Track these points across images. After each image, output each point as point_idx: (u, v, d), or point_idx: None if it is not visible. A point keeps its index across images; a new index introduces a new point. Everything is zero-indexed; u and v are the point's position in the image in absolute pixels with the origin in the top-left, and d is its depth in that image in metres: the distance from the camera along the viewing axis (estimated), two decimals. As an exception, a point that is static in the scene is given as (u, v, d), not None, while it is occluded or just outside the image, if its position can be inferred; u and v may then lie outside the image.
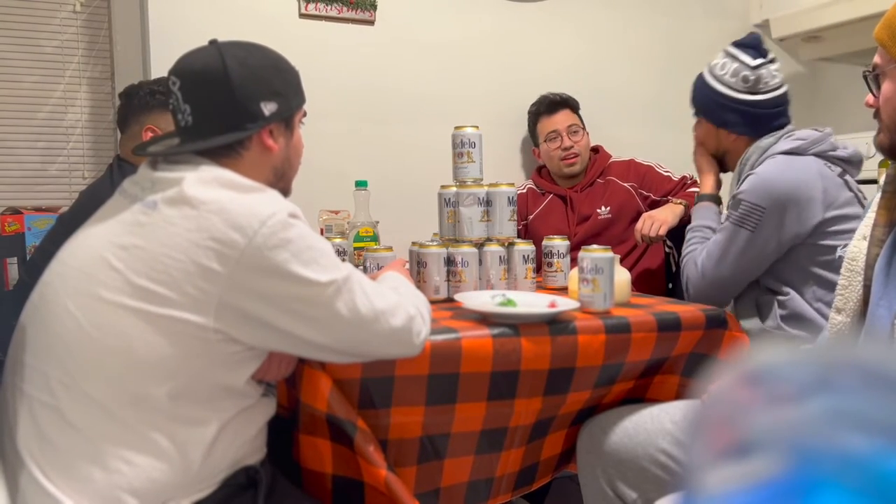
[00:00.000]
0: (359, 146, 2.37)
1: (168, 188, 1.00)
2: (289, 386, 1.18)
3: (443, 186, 1.60)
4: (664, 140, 2.55)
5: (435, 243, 1.50)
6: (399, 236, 1.83)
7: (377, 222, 1.88)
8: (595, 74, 2.66)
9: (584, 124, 2.37)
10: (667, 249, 2.23)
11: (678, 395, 1.42)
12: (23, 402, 0.98)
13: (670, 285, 2.21)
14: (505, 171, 2.56)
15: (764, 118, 1.64)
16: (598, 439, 1.37)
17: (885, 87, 1.06)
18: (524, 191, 2.39)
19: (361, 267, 1.55)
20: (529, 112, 2.44)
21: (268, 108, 1.08)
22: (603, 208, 2.27)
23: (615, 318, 1.32)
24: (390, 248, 1.55)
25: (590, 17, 2.67)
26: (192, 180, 0.99)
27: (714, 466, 0.29)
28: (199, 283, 0.95)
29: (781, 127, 1.65)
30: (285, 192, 1.14)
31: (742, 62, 1.64)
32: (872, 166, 2.45)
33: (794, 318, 1.55)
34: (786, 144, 1.57)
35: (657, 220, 1.95)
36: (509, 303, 1.33)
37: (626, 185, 2.29)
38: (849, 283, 1.15)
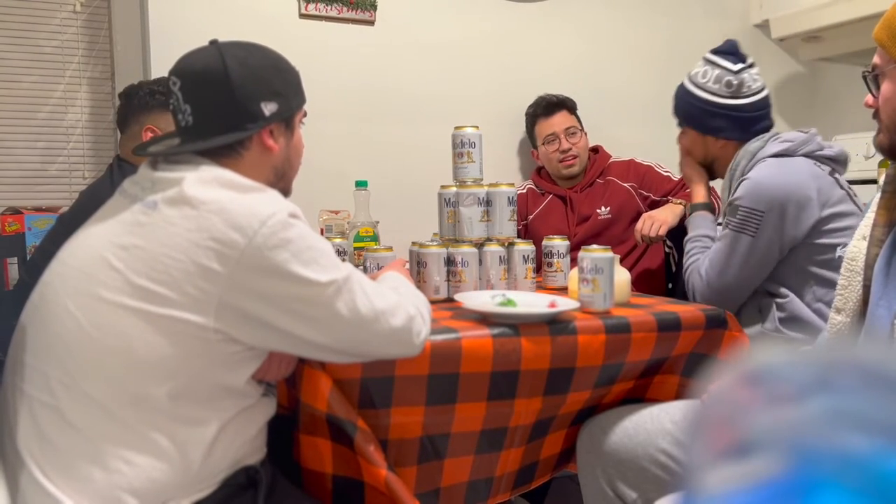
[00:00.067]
0: (359, 146, 2.37)
1: (168, 188, 1.00)
2: (289, 386, 1.18)
3: (443, 186, 1.60)
4: (664, 140, 2.53)
5: (435, 243, 1.50)
6: (399, 236, 1.83)
7: (377, 222, 1.88)
8: (595, 74, 2.66)
9: (581, 125, 2.37)
10: (667, 249, 2.23)
11: (678, 395, 1.42)
12: (23, 402, 0.98)
13: (670, 285, 2.21)
14: (505, 171, 2.56)
15: (750, 121, 1.65)
16: (598, 439, 1.37)
17: (885, 87, 1.06)
18: (524, 191, 2.39)
19: (361, 267, 1.55)
20: (527, 114, 2.44)
21: (268, 108, 1.08)
22: (603, 208, 2.27)
23: (615, 318, 1.32)
24: (390, 248, 1.55)
25: (590, 17, 2.67)
26: (192, 180, 0.99)
27: (714, 466, 0.29)
28: (200, 283, 0.95)
29: (766, 130, 1.66)
30: (286, 192, 1.14)
31: (724, 68, 1.65)
32: (872, 166, 2.45)
33: (792, 321, 1.55)
34: (775, 147, 1.57)
35: (657, 220, 1.95)
36: (509, 303, 1.33)
37: (625, 185, 2.29)
38: (848, 283, 1.15)
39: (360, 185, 1.88)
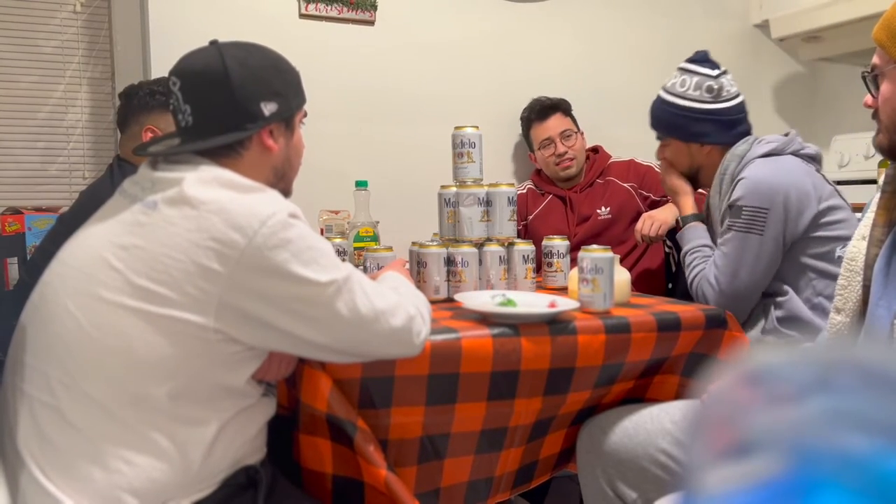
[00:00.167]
0: (359, 146, 2.37)
1: (168, 188, 1.00)
2: (289, 386, 1.18)
3: (443, 186, 1.60)
4: (664, 140, 2.54)
5: (435, 243, 1.50)
6: (399, 236, 1.84)
7: (377, 222, 1.88)
8: (595, 74, 2.67)
9: (577, 126, 2.37)
10: (667, 249, 2.23)
11: (678, 395, 1.42)
12: (23, 402, 0.98)
13: (670, 285, 2.22)
14: (505, 171, 2.57)
15: (732, 125, 1.66)
16: (597, 439, 1.37)
17: (884, 87, 1.06)
18: (524, 191, 2.39)
19: (361, 267, 1.55)
20: (521, 118, 2.43)
21: (268, 108, 1.08)
22: (603, 209, 2.27)
23: (615, 318, 1.32)
24: (390, 248, 1.55)
25: (590, 17, 2.67)
26: (192, 180, 0.99)
27: (714, 466, 0.29)
28: (200, 283, 0.95)
29: (746, 133, 1.68)
30: (286, 192, 1.14)
31: (703, 74, 1.67)
32: (872, 166, 2.45)
33: (790, 320, 1.55)
34: (762, 148, 1.59)
35: (657, 220, 1.95)
36: (509, 303, 1.33)
37: (625, 185, 2.29)
38: (848, 283, 1.15)
39: (360, 185, 1.88)
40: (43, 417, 0.96)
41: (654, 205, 2.21)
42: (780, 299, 1.56)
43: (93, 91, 2.18)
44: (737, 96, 1.68)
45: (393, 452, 1.18)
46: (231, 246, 0.95)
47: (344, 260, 1.46)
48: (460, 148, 1.56)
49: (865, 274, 1.12)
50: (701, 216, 1.74)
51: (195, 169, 1.02)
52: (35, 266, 1.50)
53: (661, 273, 2.23)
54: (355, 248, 1.80)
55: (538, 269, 1.66)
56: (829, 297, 1.51)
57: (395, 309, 1.07)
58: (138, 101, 1.73)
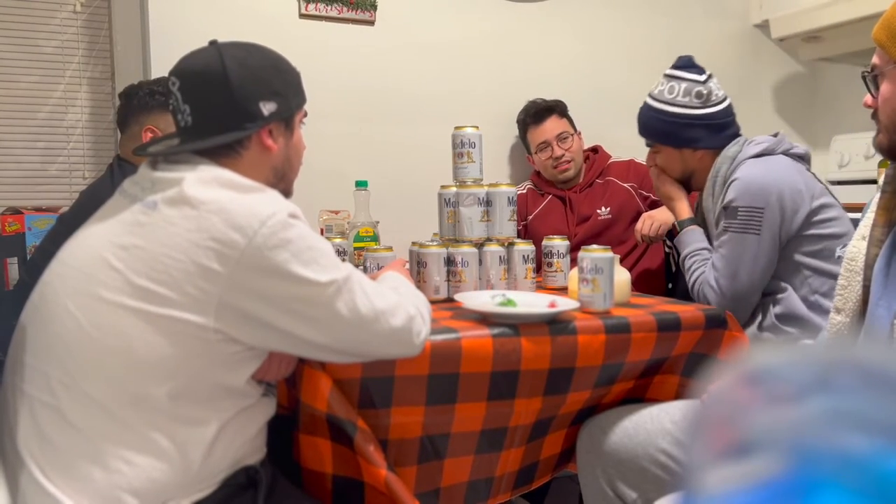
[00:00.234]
0: (359, 146, 2.37)
1: (168, 188, 1.00)
2: (289, 386, 1.18)
3: (443, 186, 1.60)
4: (664, 140, 2.54)
5: (435, 243, 1.50)
6: (399, 236, 1.84)
7: (377, 222, 1.88)
8: (595, 75, 2.66)
9: (574, 127, 2.37)
10: (667, 249, 2.23)
11: (678, 395, 1.42)
12: (23, 402, 0.99)
13: (670, 285, 2.22)
14: (505, 171, 2.57)
15: (722, 128, 1.67)
16: (597, 439, 1.37)
17: (884, 87, 1.06)
18: (524, 191, 2.39)
19: (361, 267, 1.55)
20: (518, 121, 2.43)
21: (267, 108, 1.08)
22: (603, 209, 2.27)
23: (615, 318, 1.32)
24: (390, 248, 1.55)
25: (590, 17, 2.67)
26: (191, 180, 0.99)
27: (714, 466, 0.29)
28: (200, 283, 0.95)
29: (735, 135, 1.68)
30: (286, 192, 1.14)
31: (691, 80, 1.67)
32: (872, 166, 2.45)
33: (788, 318, 1.55)
34: (754, 149, 1.60)
35: (657, 220, 1.95)
36: (509, 303, 1.33)
37: (625, 185, 2.29)
38: (848, 283, 1.15)
39: (360, 185, 1.88)
40: (43, 417, 0.96)
41: (654, 205, 2.21)
42: (779, 296, 1.57)
43: (93, 91, 2.18)
44: (724, 99, 1.69)
45: (393, 452, 1.18)
46: (231, 246, 0.95)
47: (344, 260, 1.46)
48: (460, 148, 1.56)
49: (865, 274, 1.12)
50: (696, 220, 1.74)
51: (195, 169, 1.02)
52: (35, 266, 1.50)
53: (661, 273, 2.23)
54: (355, 248, 1.80)
55: (538, 269, 1.66)
56: (825, 295, 1.52)
57: (395, 309, 1.07)
58: (138, 101, 1.73)
